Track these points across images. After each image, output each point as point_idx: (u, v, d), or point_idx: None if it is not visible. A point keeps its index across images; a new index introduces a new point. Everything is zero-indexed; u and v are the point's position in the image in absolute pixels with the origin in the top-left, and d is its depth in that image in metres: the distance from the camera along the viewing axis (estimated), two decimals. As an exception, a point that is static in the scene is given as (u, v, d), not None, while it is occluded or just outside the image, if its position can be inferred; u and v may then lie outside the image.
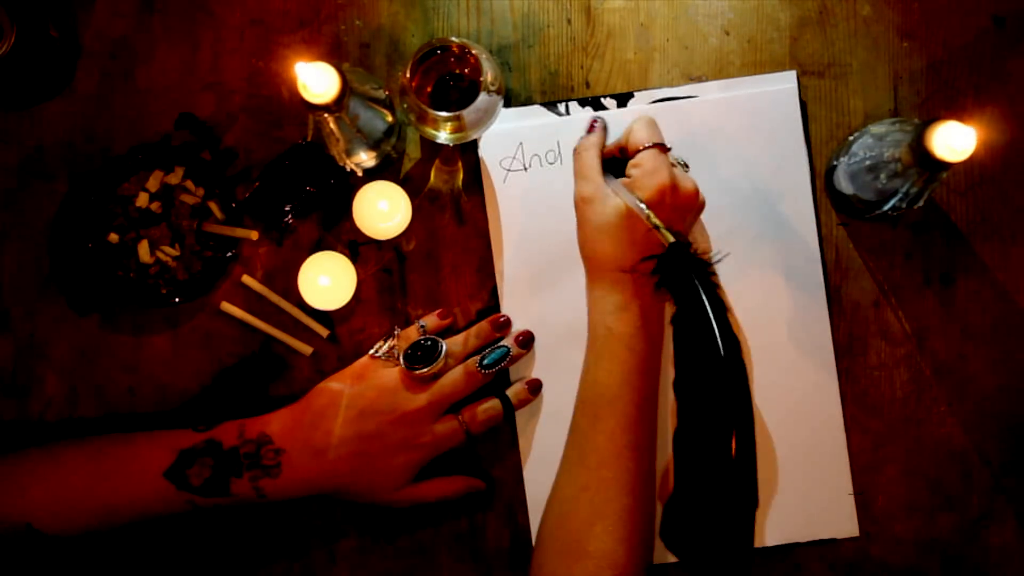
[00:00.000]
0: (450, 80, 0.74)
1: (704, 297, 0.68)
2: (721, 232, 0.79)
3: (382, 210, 0.76)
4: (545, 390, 0.78)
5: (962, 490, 0.78)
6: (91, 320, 0.79)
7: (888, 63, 0.80)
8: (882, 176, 0.71)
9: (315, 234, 0.79)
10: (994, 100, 0.79)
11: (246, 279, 0.79)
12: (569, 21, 0.80)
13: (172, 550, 0.78)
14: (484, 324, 0.77)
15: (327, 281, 0.76)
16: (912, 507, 0.78)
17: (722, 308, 0.68)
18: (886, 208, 0.72)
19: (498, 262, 0.79)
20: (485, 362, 0.75)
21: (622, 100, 0.80)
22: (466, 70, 0.74)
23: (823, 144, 0.79)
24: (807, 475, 0.78)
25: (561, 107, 0.80)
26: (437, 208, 0.80)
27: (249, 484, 0.72)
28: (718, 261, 0.72)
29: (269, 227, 0.79)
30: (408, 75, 0.71)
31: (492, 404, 0.76)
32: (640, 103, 0.80)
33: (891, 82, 0.79)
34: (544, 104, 0.80)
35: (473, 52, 0.70)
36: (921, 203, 0.70)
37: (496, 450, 0.79)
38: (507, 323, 0.78)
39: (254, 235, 0.78)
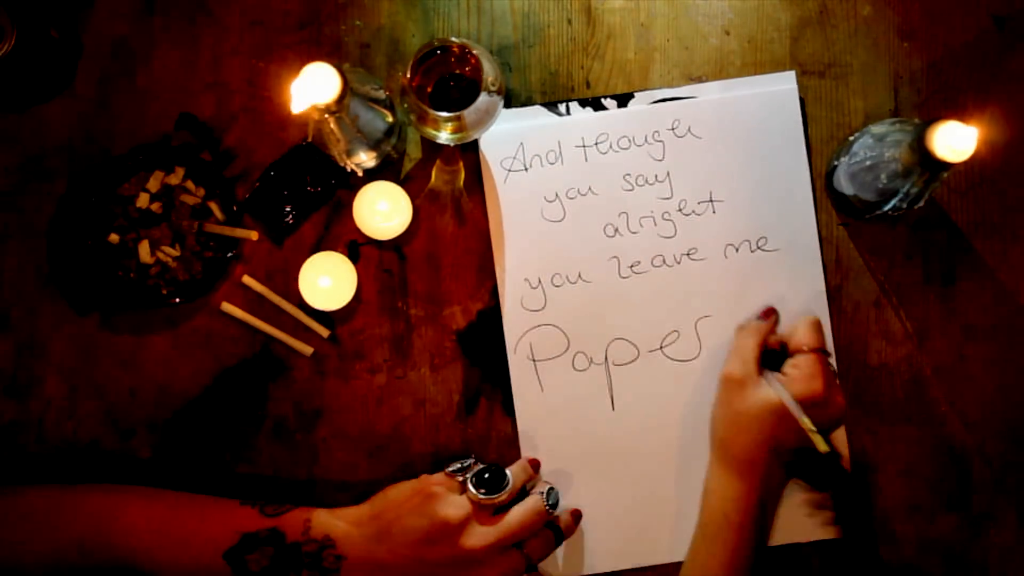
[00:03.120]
0: (450, 80, 0.74)
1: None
2: (721, 232, 0.79)
3: (382, 210, 0.76)
4: (546, 385, 0.78)
5: (962, 490, 0.78)
6: (91, 320, 0.79)
7: (888, 63, 0.80)
8: (882, 176, 0.71)
9: (315, 234, 0.79)
10: (994, 100, 0.79)
11: (247, 279, 0.79)
12: (569, 21, 0.80)
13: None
14: (525, 461, 0.77)
15: (327, 281, 0.76)
16: (912, 507, 0.78)
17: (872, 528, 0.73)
18: (886, 208, 0.72)
19: (499, 262, 0.79)
20: (551, 502, 0.74)
21: (622, 100, 0.80)
22: (466, 70, 0.74)
23: (823, 144, 0.79)
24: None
25: (562, 107, 0.80)
26: (438, 208, 0.80)
27: None
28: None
29: (269, 227, 0.79)
30: (408, 75, 0.71)
31: (549, 537, 0.75)
32: (640, 103, 0.80)
33: (891, 82, 0.80)
34: (544, 104, 0.80)
35: (473, 52, 0.70)
36: (922, 203, 0.70)
37: (498, 452, 0.79)
38: (538, 466, 0.78)
39: (254, 235, 0.78)
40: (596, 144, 0.79)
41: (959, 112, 0.79)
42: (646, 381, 0.78)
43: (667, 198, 0.79)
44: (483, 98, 0.70)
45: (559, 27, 0.80)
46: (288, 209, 0.78)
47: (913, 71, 0.79)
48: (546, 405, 0.78)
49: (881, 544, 0.78)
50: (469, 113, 0.70)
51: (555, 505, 0.75)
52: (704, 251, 0.79)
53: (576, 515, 0.77)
